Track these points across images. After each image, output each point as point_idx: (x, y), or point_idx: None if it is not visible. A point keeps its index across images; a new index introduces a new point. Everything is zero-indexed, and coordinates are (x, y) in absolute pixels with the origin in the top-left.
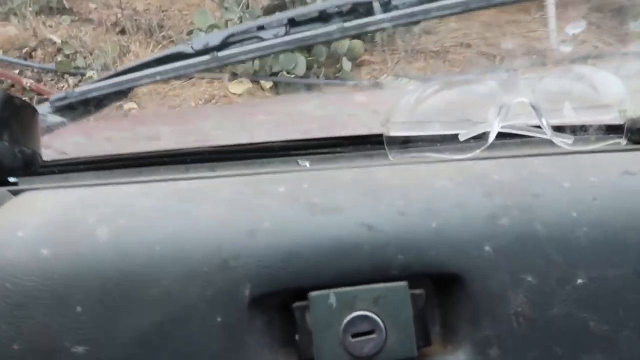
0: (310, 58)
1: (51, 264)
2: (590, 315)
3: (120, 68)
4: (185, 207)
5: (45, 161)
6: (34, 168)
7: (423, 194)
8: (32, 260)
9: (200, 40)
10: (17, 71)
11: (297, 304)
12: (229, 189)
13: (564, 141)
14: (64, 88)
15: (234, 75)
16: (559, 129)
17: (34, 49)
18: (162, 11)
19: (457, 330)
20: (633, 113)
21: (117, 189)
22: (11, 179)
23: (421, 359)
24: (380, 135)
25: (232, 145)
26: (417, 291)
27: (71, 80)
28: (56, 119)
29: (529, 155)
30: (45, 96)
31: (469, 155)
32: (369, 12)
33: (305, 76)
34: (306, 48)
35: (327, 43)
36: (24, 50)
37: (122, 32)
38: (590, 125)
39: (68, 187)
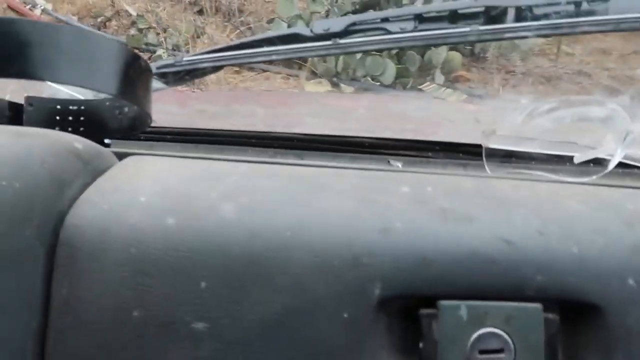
0: (399, 66)
1: (176, 234)
2: None
3: (231, 43)
4: (309, 195)
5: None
6: (141, 130)
7: (559, 216)
8: (157, 227)
9: (321, 24)
10: None
11: (425, 311)
12: (350, 182)
13: None
14: None
15: (313, 75)
16: None
17: (109, 19)
18: None
19: None
20: None
21: (231, 166)
22: (106, 141)
23: None
24: (478, 146)
25: (323, 136)
26: (551, 316)
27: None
28: (158, 84)
29: None
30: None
31: (586, 179)
32: (502, 18)
33: (391, 85)
34: (396, 54)
35: (422, 50)
36: (99, 19)
37: (200, 12)
38: None
39: (176, 156)
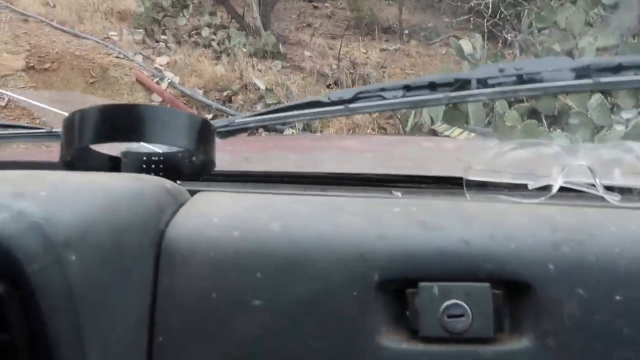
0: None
1: (240, 242)
2: (624, 323)
3: (270, 108)
4: (330, 215)
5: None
6: (207, 174)
7: (505, 225)
8: (227, 238)
9: (335, 94)
10: (210, 116)
11: (409, 290)
12: (358, 206)
13: (613, 198)
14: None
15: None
16: (609, 188)
17: (236, 93)
18: (382, 67)
19: (524, 323)
20: None
21: (276, 197)
22: (178, 182)
23: (496, 340)
24: (461, 179)
25: (340, 173)
26: (497, 291)
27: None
28: (217, 139)
29: (585, 206)
30: None
31: (536, 200)
32: (468, 86)
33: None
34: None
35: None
36: (225, 93)
37: (335, 84)
38: (635, 188)
39: (235, 192)
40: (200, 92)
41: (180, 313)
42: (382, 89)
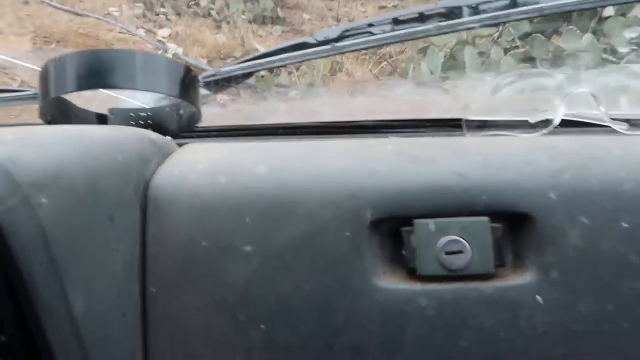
0: None
1: (226, 187)
2: (632, 251)
3: (260, 53)
4: (320, 156)
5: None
6: (194, 127)
7: (501, 154)
8: (213, 184)
9: (322, 33)
10: None
11: (405, 228)
12: (351, 146)
13: (620, 127)
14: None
15: None
16: (614, 119)
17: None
18: None
19: (526, 257)
20: None
21: (263, 144)
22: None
23: (497, 276)
24: (459, 120)
25: (336, 122)
26: (496, 225)
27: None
28: (204, 91)
29: (589, 134)
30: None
31: (537, 134)
32: (460, 15)
33: None
34: None
35: None
36: (228, 61)
37: None
38: None
39: (223, 142)
40: (205, 61)
41: (171, 262)
42: (370, 25)
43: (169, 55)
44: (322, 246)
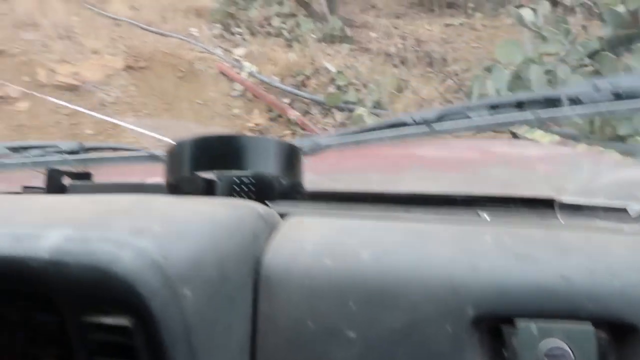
0: None
1: (332, 270)
2: None
3: (358, 129)
4: (420, 244)
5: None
6: (297, 195)
7: (605, 257)
8: (319, 266)
9: (420, 115)
10: (288, 100)
11: (506, 326)
12: (448, 234)
13: None
14: (329, 123)
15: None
16: None
17: (309, 77)
18: (447, 43)
19: None
20: None
21: (364, 222)
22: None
23: None
24: (551, 200)
25: (425, 194)
26: (601, 334)
27: (338, 116)
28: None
29: None
30: (307, 131)
31: (638, 227)
32: (558, 104)
33: None
34: None
35: None
36: (299, 78)
37: (402, 62)
38: None
39: (324, 214)
40: (277, 79)
41: (280, 339)
42: (468, 108)
43: (244, 74)
44: (422, 339)
